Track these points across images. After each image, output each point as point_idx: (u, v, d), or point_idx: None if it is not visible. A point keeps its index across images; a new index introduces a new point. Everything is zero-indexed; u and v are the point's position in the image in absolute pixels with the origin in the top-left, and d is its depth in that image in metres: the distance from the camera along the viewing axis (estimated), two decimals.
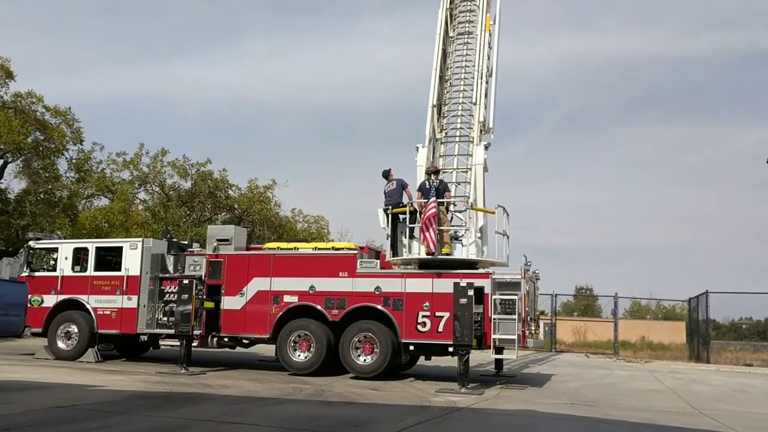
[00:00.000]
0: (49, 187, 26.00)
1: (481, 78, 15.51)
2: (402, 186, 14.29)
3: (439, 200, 13.30)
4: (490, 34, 16.27)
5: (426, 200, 13.28)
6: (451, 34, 17.19)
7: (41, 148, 25.50)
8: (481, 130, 14.92)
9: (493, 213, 13.72)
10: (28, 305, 14.04)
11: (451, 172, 15.01)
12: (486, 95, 15.47)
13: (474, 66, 16.01)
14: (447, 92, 16.34)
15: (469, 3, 17.39)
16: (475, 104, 15.23)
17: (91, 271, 15.99)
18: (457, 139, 15.33)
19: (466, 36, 16.93)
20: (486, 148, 14.52)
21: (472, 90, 15.68)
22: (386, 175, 14.57)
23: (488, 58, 15.98)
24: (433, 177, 13.80)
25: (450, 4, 17.33)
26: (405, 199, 14.05)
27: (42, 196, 25.59)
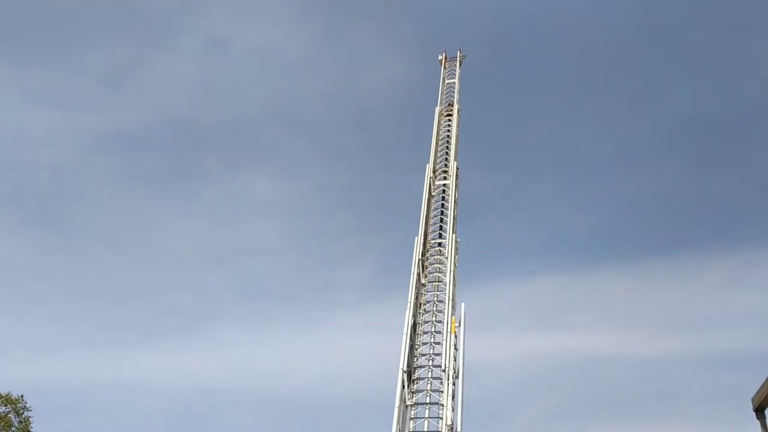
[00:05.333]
0: None
1: (448, 380, 19.51)
2: None
3: None
4: (455, 336, 20.41)
5: None
6: (423, 281, 21.33)
7: None
8: None
9: None
10: None
11: None
12: (453, 397, 19.35)
13: (442, 337, 20.00)
14: (416, 360, 20.25)
15: (438, 255, 21.61)
16: (442, 406, 19.16)
17: None
18: None
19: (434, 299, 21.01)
20: None
21: (440, 358, 19.52)
22: None
23: (455, 360, 20.03)
24: None
25: (422, 256, 21.58)
26: None
27: None
